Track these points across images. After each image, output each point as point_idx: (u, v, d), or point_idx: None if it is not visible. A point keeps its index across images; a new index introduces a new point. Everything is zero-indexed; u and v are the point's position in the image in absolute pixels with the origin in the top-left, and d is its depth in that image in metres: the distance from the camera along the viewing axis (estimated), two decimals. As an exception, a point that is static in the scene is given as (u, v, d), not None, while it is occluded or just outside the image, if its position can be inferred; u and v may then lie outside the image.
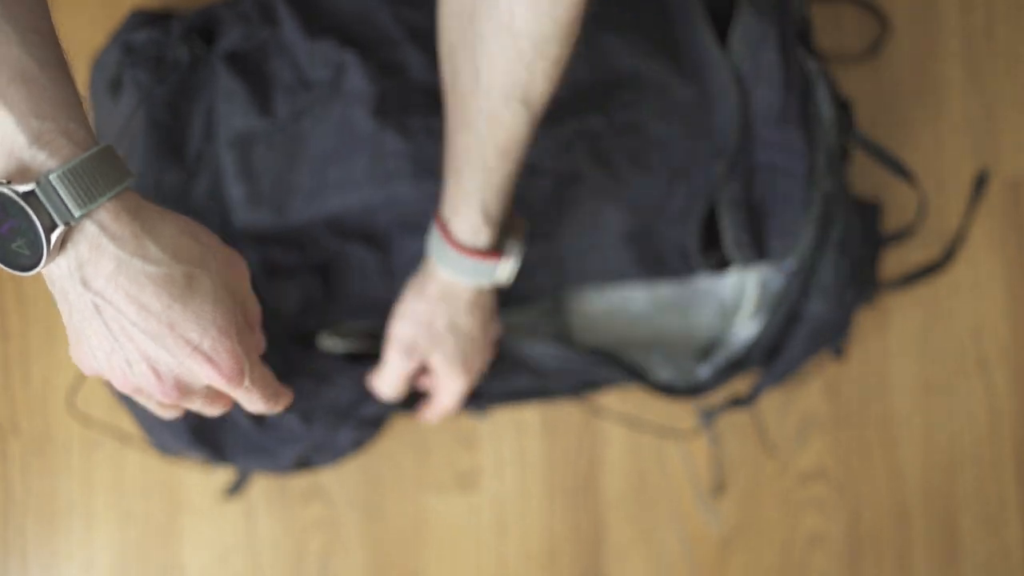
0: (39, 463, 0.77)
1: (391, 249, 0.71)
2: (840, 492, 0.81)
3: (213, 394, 0.50)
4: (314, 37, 0.68)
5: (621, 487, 0.80)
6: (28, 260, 0.43)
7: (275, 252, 0.69)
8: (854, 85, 0.81)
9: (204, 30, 0.68)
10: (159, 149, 0.67)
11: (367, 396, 0.70)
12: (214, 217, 0.69)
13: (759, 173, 0.70)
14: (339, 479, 0.78)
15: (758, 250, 0.70)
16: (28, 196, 0.41)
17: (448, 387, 0.68)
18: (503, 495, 0.79)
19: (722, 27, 0.69)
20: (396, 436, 0.79)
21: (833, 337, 0.75)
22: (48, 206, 0.41)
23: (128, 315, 0.44)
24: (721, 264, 0.73)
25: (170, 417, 0.53)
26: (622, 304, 0.77)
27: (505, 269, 0.62)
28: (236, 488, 0.77)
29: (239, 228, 0.69)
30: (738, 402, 0.76)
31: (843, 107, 0.72)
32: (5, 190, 0.41)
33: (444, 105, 0.59)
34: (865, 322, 0.81)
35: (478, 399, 0.73)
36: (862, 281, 0.75)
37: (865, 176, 0.81)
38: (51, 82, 0.43)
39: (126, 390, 0.48)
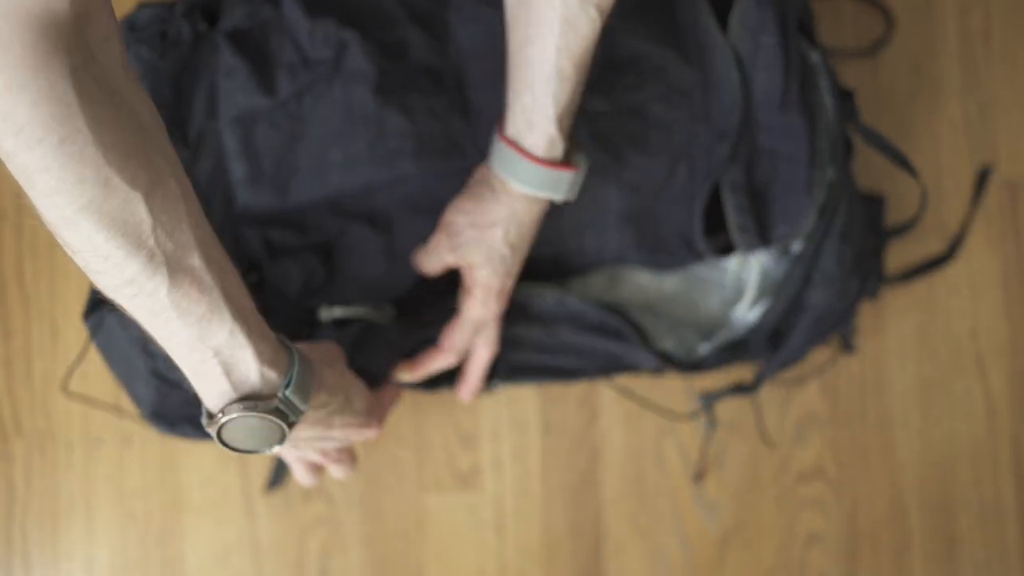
0: (41, 462, 0.77)
1: (394, 230, 0.71)
2: (838, 491, 0.81)
3: (340, 458, 0.67)
4: (315, 16, 0.68)
5: (620, 486, 0.80)
6: (263, 447, 0.56)
7: (275, 233, 0.69)
8: (852, 84, 0.82)
9: (207, 9, 0.68)
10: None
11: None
12: (218, 197, 0.69)
13: (761, 158, 0.70)
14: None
15: (762, 236, 0.71)
16: (274, 411, 0.53)
17: (483, 298, 0.68)
18: (503, 494, 0.80)
19: (722, 13, 0.69)
20: (396, 436, 0.79)
21: (836, 327, 0.75)
22: (288, 412, 0.54)
23: (310, 436, 0.61)
24: (725, 249, 0.74)
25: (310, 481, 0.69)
26: (628, 296, 0.78)
27: (577, 180, 0.63)
28: (276, 481, 0.77)
29: (240, 208, 0.69)
30: (742, 388, 0.77)
31: (846, 96, 0.72)
32: (263, 416, 0.53)
33: (509, 25, 0.60)
34: (863, 322, 0.81)
35: (494, 370, 0.74)
36: (866, 274, 0.75)
37: (864, 171, 0.81)
38: (252, 303, 0.54)
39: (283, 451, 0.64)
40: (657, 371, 0.76)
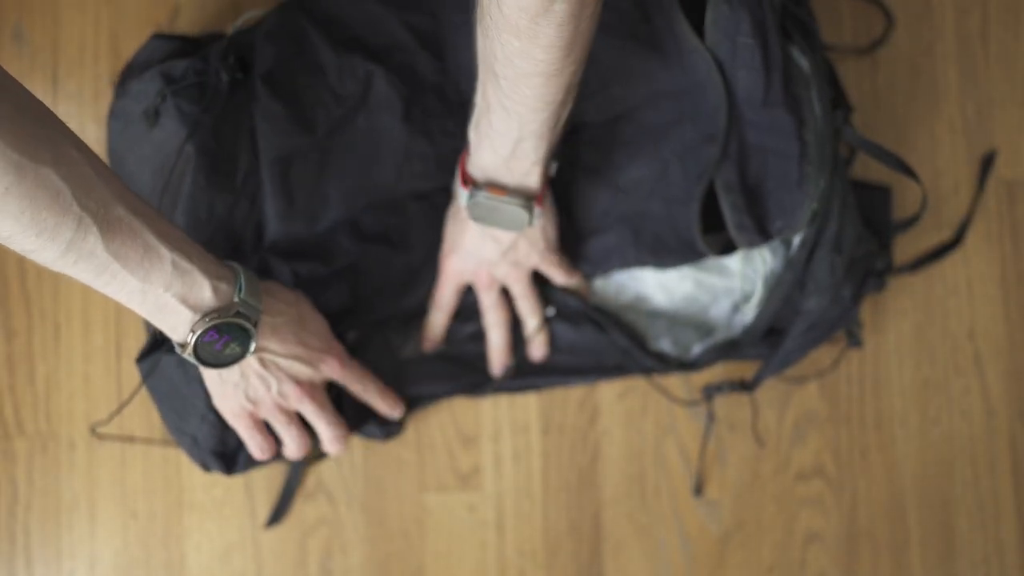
0: (43, 461, 0.78)
1: (411, 245, 0.75)
2: (837, 490, 0.81)
3: (327, 408, 0.70)
4: (340, 53, 0.70)
5: (620, 485, 0.80)
6: (239, 354, 0.61)
7: (302, 267, 0.71)
8: (850, 86, 0.82)
9: (239, 55, 0.70)
10: (209, 176, 0.68)
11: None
12: (250, 231, 0.70)
13: (752, 155, 0.71)
14: (341, 478, 0.79)
15: (760, 232, 0.71)
16: (237, 315, 0.59)
17: (439, 280, 0.76)
18: (503, 494, 0.80)
19: (697, 19, 0.70)
20: (398, 436, 0.79)
21: (831, 331, 0.76)
22: (249, 313, 0.60)
23: (278, 351, 0.65)
24: (727, 248, 0.74)
25: (265, 457, 0.71)
26: (637, 302, 0.79)
27: (477, 204, 0.68)
28: (277, 517, 0.78)
29: (270, 241, 0.71)
30: (741, 385, 0.77)
31: (840, 104, 0.72)
32: (229, 320, 0.58)
33: None
34: (862, 321, 0.82)
35: (492, 382, 0.77)
36: (866, 273, 0.75)
37: (864, 169, 0.81)
38: (184, 233, 0.58)
39: (269, 414, 0.68)
40: (650, 372, 0.77)
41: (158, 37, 0.72)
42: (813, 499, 0.81)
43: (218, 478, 0.78)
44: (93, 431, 0.77)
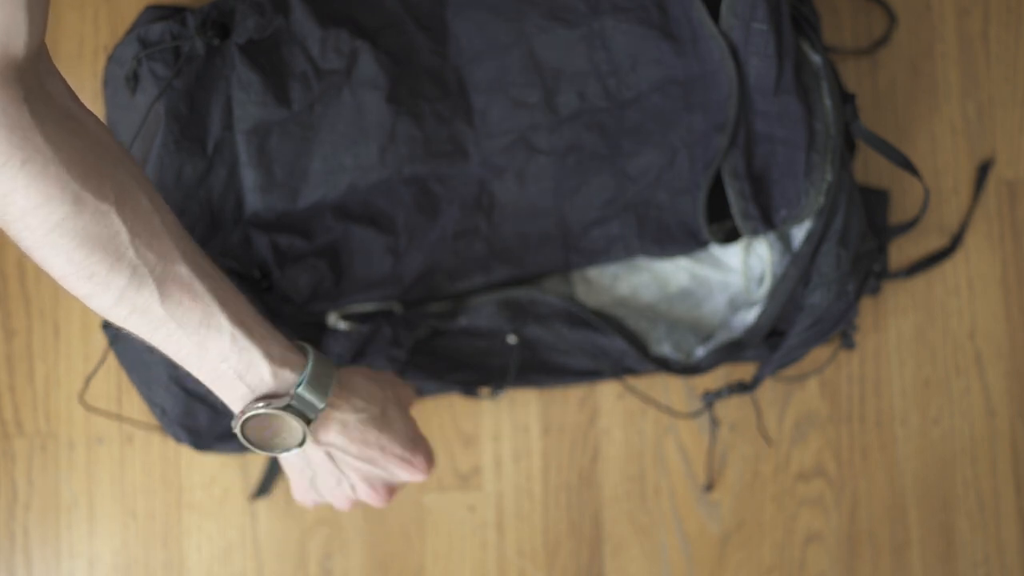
0: (43, 460, 0.78)
1: (397, 230, 0.73)
2: (837, 489, 0.81)
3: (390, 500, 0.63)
4: (326, 27, 0.70)
5: (620, 485, 0.80)
6: (289, 447, 0.55)
7: (283, 239, 0.70)
8: (850, 86, 0.82)
9: (219, 22, 0.69)
10: (179, 140, 0.68)
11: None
12: (230, 203, 0.70)
13: (759, 144, 0.71)
14: (340, 477, 0.79)
15: (765, 220, 0.71)
16: (287, 408, 0.53)
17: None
18: (503, 494, 0.80)
19: (711, 6, 0.70)
20: (397, 434, 0.79)
21: (834, 328, 0.75)
22: (303, 410, 0.53)
23: (351, 451, 0.58)
24: (730, 237, 0.74)
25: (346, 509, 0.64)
26: (632, 294, 0.78)
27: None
28: (263, 490, 0.78)
29: (250, 213, 0.70)
30: (741, 387, 0.77)
31: (847, 98, 0.72)
32: (271, 411, 0.52)
33: None
34: (863, 320, 0.82)
35: (500, 379, 0.76)
36: (865, 275, 0.75)
37: (864, 170, 0.81)
38: (253, 309, 0.54)
39: (343, 506, 0.62)
40: (657, 371, 0.77)
41: (152, 8, 0.71)
42: (813, 499, 0.81)
43: (217, 477, 0.78)
44: (81, 399, 0.76)
